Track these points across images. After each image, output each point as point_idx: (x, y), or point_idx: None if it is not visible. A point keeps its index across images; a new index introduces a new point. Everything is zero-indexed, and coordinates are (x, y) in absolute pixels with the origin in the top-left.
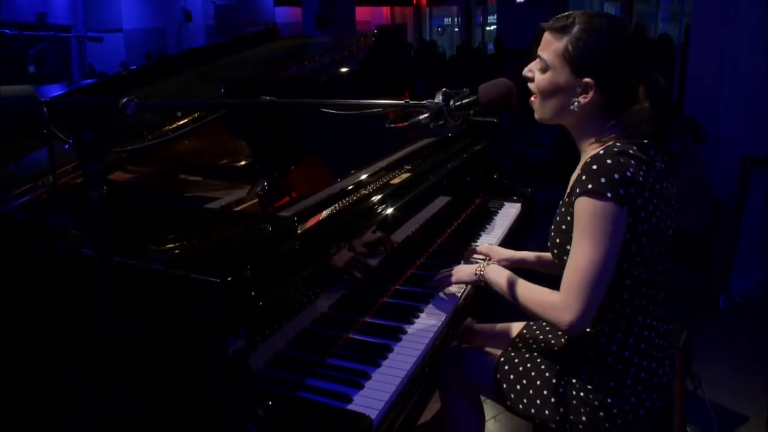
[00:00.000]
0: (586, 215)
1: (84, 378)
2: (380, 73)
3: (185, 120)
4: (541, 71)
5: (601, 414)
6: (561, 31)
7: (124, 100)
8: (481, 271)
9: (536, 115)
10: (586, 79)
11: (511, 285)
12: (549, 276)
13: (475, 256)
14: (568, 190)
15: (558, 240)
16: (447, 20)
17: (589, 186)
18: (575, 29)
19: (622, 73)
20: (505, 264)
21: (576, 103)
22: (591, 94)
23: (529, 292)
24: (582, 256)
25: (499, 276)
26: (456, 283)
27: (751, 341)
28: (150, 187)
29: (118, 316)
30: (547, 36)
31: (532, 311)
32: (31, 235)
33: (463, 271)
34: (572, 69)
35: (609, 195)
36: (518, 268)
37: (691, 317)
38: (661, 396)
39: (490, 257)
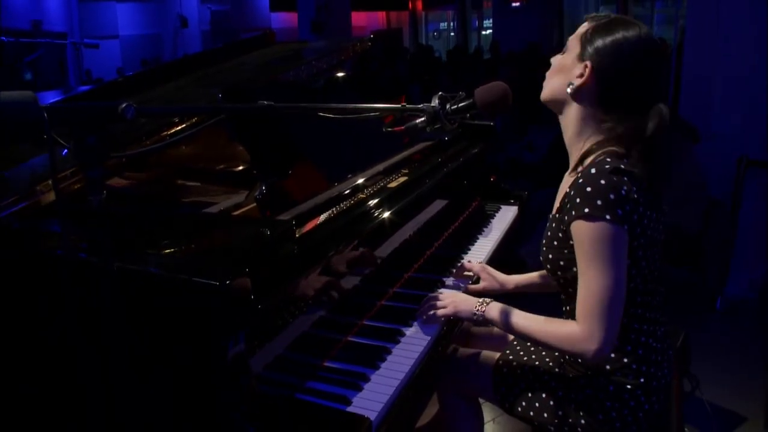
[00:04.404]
0: (590, 241)
1: (82, 381)
2: (377, 78)
3: (183, 125)
4: (561, 53)
5: (600, 417)
6: (594, 20)
7: (123, 105)
8: (481, 311)
9: (541, 96)
10: (586, 62)
11: (520, 323)
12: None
13: (467, 272)
14: (557, 204)
15: (550, 255)
16: (443, 25)
17: (586, 210)
18: (604, 20)
19: (625, 73)
20: (511, 289)
21: (571, 85)
22: (586, 76)
23: (542, 326)
24: (594, 282)
25: (504, 315)
26: (453, 316)
27: (748, 342)
28: (148, 192)
29: (118, 320)
30: (583, 24)
31: (549, 345)
32: (30, 243)
33: (461, 305)
34: (581, 50)
35: (608, 217)
36: (518, 293)
37: (688, 318)
38: (659, 398)
39: (480, 276)
